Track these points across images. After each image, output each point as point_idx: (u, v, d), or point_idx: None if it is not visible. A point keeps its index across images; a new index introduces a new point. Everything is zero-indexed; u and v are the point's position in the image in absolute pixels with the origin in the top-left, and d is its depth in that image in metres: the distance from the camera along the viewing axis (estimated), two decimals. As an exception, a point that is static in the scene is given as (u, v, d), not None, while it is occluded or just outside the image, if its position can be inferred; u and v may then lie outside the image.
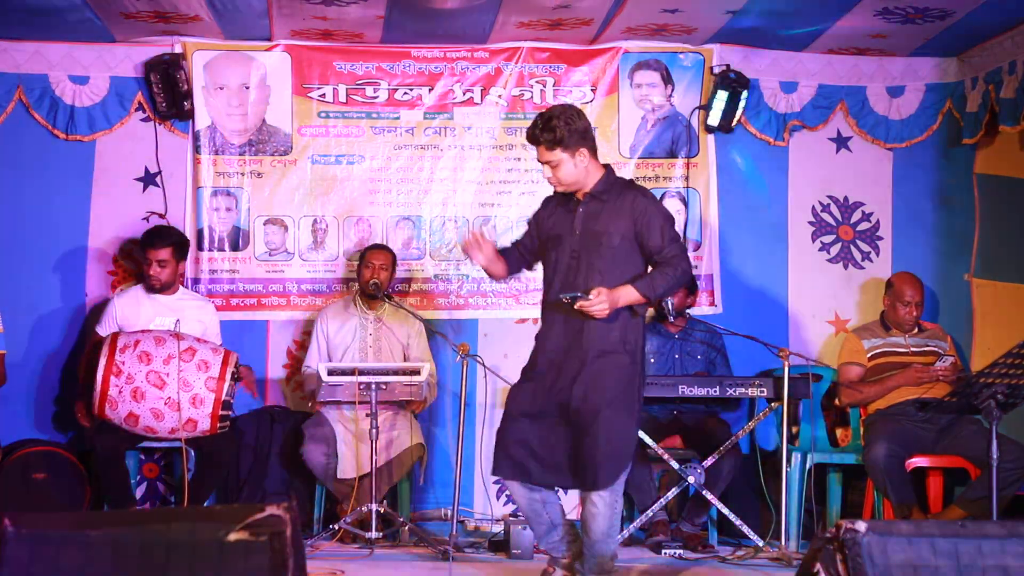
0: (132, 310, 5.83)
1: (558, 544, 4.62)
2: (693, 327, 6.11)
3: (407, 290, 6.45)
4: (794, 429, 6.07)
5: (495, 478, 4.91)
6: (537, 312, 4.78)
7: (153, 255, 5.81)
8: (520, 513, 4.70)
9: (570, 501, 5.76)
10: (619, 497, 4.53)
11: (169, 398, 5.28)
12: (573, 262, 4.48)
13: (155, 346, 5.33)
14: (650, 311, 4.57)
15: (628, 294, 4.39)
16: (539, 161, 4.50)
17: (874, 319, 6.17)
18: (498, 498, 6.36)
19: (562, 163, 4.43)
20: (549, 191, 4.70)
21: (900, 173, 6.70)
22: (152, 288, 5.83)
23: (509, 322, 6.50)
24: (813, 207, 6.68)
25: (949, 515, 5.41)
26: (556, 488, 4.67)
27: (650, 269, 4.52)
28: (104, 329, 5.77)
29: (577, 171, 4.46)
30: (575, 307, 4.35)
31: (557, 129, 4.40)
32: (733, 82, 6.37)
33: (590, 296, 4.33)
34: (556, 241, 4.53)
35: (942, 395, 5.34)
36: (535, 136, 4.44)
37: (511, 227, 6.48)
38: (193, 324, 5.77)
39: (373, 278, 5.96)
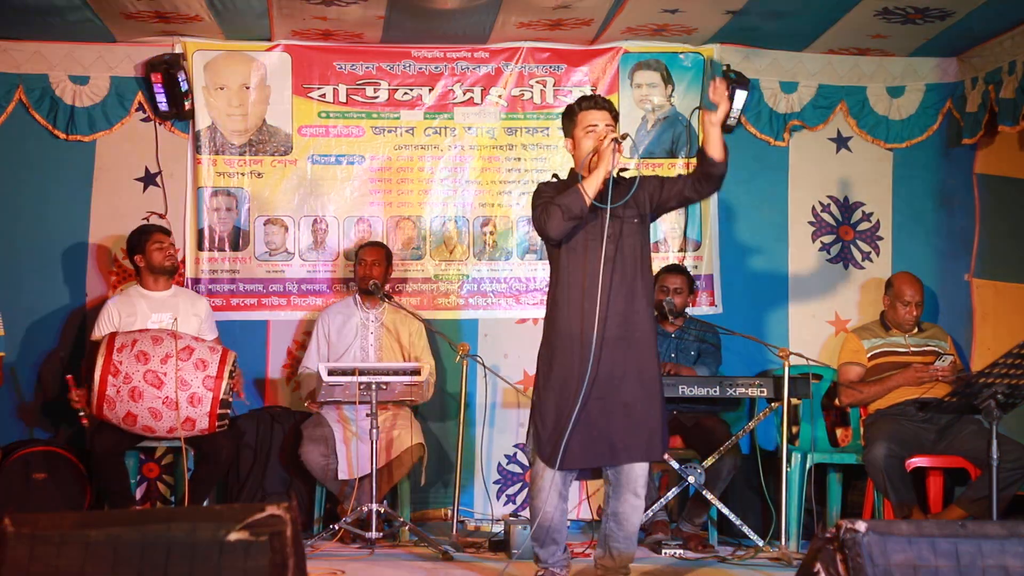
0: (128, 311, 5.82)
1: (562, 559, 4.69)
2: (689, 326, 6.11)
3: (407, 290, 6.46)
4: (794, 429, 6.07)
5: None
6: (537, 312, 4.76)
7: (160, 238, 5.86)
8: (544, 526, 4.60)
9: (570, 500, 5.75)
10: None
11: (167, 397, 5.27)
12: (611, 241, 4.50)
13: (152, 345, 5.33)
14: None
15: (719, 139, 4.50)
16: (596, 123, 4.54)
17: (874, 319, 6.17)
18: (498, 498, 6.36)
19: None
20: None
21: (900, 173, 6.70)
22: (169, 268, 5.86)
23: (509, 322, 6.49)
24: (813, 207, 6.68)
25: (949, 515, 5.41)
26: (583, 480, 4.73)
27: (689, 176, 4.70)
28: (100, 334, 5.76)
29: None
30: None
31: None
32: (733, 82, 6.37)
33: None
34: (591, 218, 4.52)
35: (942, 395, 5.34)
36: (602, 101, 4.62)
37: (511, 227, 6.49)
38: (189, 319, 5.78)
39: (367, 275, 5.97)
